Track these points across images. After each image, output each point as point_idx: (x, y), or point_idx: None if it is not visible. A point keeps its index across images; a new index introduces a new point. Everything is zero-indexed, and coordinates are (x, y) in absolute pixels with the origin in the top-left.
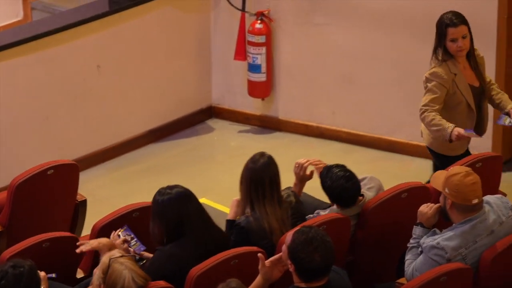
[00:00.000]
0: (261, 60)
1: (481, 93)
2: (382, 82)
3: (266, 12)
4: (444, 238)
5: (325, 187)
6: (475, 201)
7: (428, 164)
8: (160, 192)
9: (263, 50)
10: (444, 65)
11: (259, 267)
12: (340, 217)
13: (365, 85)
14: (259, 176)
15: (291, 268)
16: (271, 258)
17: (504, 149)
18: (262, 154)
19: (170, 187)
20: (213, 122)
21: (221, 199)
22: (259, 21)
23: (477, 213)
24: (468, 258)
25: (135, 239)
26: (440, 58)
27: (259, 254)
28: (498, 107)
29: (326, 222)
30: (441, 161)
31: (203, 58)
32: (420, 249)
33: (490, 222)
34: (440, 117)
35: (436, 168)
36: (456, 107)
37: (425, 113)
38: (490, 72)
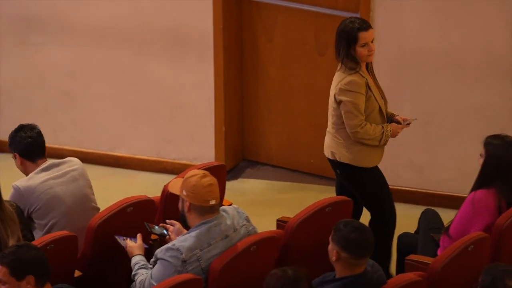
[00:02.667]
0: None
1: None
2: (102, 98)
3: None
4: (180, 240)
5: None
6: (212, 202)
7: (152, 177)
8: None
9: None
10: (356, 72)
11: None
12: (68, 235)
13: (86, 102)
14: None
15: None
16: None
17: (227, 158)
18: None
19: None
20: None
21: None
22: None
23: (213, 216)
24: (203, 260)
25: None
26: (350, 66)
27: None
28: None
29: (54, 241)
30: (361, 176)
31: None
32: (153, 259)
33: (225, 227)
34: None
35: (357, 185)
36: (370, 115)
37: (362, 129)
38: (209, 82)
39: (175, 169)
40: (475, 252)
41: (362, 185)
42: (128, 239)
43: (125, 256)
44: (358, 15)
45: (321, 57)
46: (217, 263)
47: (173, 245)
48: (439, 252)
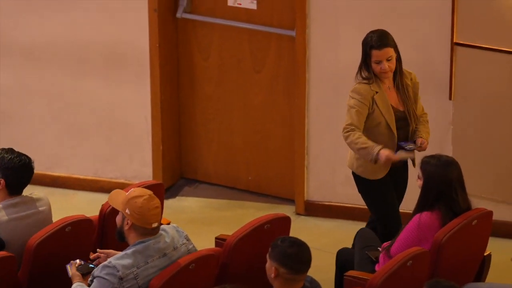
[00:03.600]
0: None
1: (405, 118)
2: (39, 117)
3: None
4: (116, 258)
5: None
6: (155, 225)
7: (90, 196)
8: None
9: None
10: (366, 83)
11: None
12: (6, 255)
13: (23, 121)
14: None
15: None
16: None
17: (165, 176)
18: None
19: None
20: None
21: None
22: None
23: (153, 236)
24: (140, 278)
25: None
26: (363, 76)
27: None
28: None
29: None
30: (364, 186)
31: None
32: (91, 278)
33: (164, 245)
34: (366, 137)
35: (362, 193)
36: (376, 128)
37: (349, 132)
38: (146, 101)
39: (113, 188)
40: (414, 267)
41: (362, 193)
42: (77, 261)
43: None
44: (294, 33)
45: (258, 74)
46: (156, 280)
47: (109, 262)
48: (377, 268)
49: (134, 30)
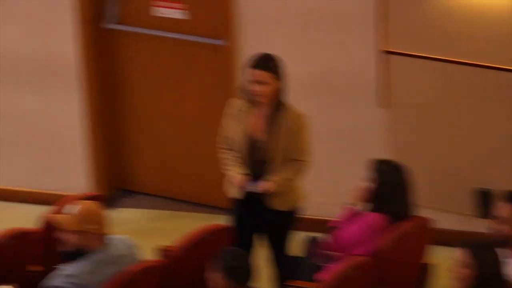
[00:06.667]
0: None
1: (259, 149)
2: None
3: None
4: (74, 266)
5: None
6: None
7: (24, 208)
8: None
9: None
10: (241, 99)
11: None
12: None
13: None
14: None
15: None
16: None
17: (100, 188)
18: None
19: None
20: None
21: None
22: None
23: (104, 244)
24: (94, 285)
25: None
26: (243, 92)
27: None
28: None
29: None
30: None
31: None
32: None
33: (114, 253)
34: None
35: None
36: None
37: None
38: (80, 111)
39: (47, 200)
40: (358, 276)
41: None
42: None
43: None
44: (221, 42)
45: (189, 83)
46: None
47: (67, 270)
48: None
49: (64, 41)
